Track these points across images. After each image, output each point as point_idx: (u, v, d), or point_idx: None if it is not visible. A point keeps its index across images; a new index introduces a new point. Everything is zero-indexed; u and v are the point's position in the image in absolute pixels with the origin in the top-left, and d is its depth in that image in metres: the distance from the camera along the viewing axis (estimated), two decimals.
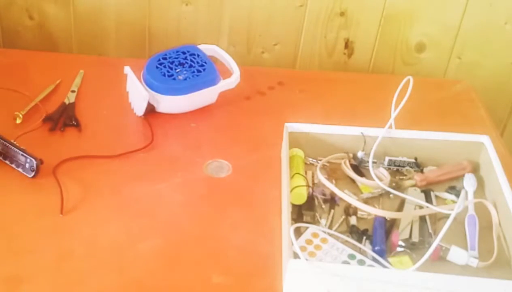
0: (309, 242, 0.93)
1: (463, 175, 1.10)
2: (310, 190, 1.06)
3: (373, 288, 0.86)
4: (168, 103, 1.23)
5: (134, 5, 1.45)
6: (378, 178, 1.08)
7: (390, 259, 0.95)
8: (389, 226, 1.01)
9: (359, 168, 1.12)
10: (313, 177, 1.11)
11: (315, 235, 0.94)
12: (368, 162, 1.09)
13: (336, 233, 0.97)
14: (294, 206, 1.03)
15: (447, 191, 1.09)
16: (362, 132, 1.11)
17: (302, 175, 1.07)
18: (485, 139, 1.11)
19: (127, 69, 1.23)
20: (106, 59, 1.47)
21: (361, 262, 0.91)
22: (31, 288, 0.90)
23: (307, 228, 0.98)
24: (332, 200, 1.06)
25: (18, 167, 1.08)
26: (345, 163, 1.11)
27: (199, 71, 1.25)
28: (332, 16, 1.46)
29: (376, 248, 0.95)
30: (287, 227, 0.91)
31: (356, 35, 1.49)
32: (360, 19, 1.47)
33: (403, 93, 1.10)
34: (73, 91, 1.29)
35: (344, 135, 1.12)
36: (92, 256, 0.95)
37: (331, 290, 0.85)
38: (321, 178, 1.08)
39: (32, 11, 1.46)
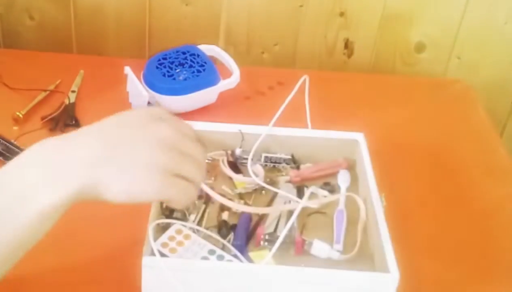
0: (172, 238, 0.93)
1: (339, 172, 1.10)
2: None
3: (228, 283, 0.86)
4: (168, 103, 1.23)
5: (134, 5, 1.45)
6: (255, 174, 1.08)
7: (251, 254, 0.94)
8: (258, 221, 1.01)
9: (237, 164, 1.12)
10: None
11: (179, 231, 0.94)
12: (245, 158, 1.09)
13: (201, 229, 0.96)
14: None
15: (321, 187, 1.08)
16: (240, 130, 1.11)
17: None
18: (359, 136, 1.10)
19: (127, 70, 1.23)
20: (106, 59, 1.46)
21: (220, 257, 0.91)
22: (31, 288, 0.90)
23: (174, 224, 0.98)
24: (207, 196, 1.05)
25: None
26: (222, 160, 1.11)
27: (199, 71, 1.25)
28: (332, 16, 1.46)
29: (237, 243, 0.95)
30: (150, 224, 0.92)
31: (356, 35, 1.49)
32: (360, 19, 1.47)
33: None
34: (73, 91, 1.29)
35: (224, 132, 1.11)
36: (92, 256, 0.95)
37: (186, 285, 0.84)
38: None
39: (32, 11, 1.46)
